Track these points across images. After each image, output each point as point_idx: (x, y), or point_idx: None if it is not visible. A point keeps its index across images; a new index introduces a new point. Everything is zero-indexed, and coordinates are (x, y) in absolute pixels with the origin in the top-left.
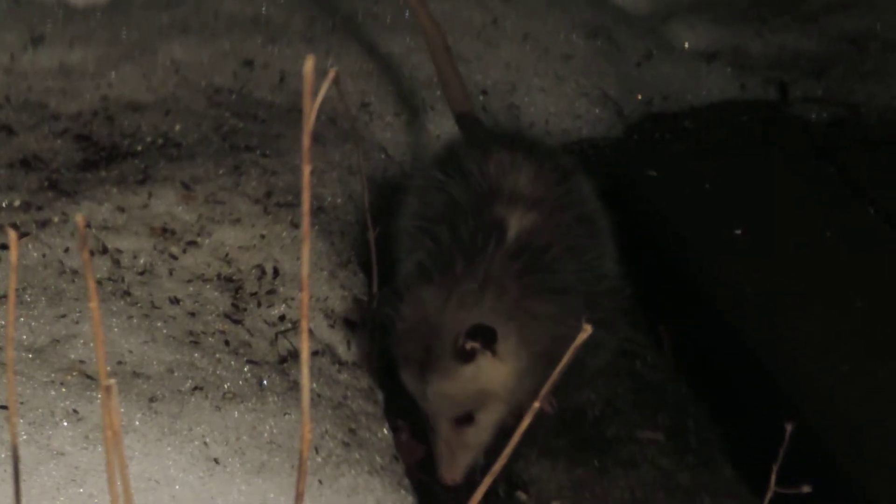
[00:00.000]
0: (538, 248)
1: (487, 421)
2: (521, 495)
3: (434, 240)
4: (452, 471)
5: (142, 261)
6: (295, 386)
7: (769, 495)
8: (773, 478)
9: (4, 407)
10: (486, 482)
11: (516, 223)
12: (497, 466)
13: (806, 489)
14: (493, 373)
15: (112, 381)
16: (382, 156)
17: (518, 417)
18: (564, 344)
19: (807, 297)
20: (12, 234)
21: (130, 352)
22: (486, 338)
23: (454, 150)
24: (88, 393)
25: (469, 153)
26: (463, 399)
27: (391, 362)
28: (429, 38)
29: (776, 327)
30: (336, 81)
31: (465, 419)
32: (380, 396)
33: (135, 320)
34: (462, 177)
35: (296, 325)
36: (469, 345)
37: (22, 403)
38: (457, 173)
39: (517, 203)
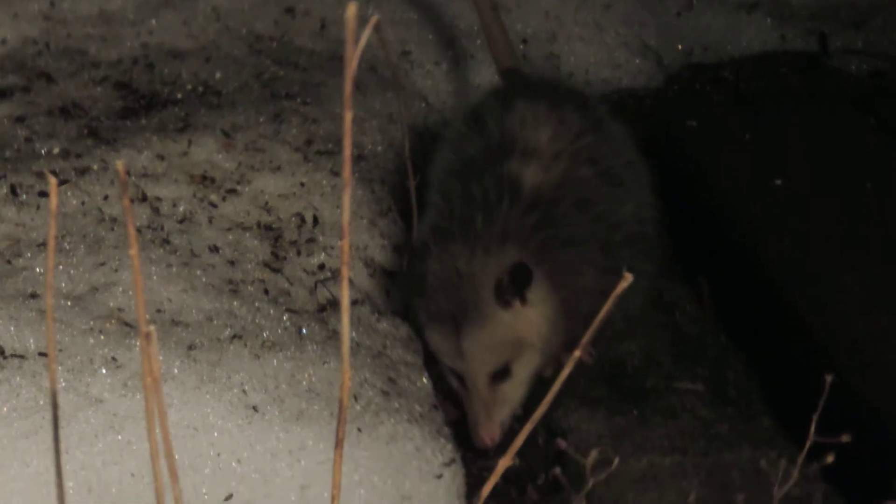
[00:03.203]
0: (549, 203)
1: (523, 373)
2: (561, 443)
3: (446, 197)
4: (490, 429)
5: (181, 209)
6: (334, 335)
7: (808, 444)
8: (813, 427)
9: (44, 354)
10: (526, 429)
11: (530, 178)
12: (537, 414)
13: (845, 439)
14: (528, 319)
15: (151, 328)
16: (423, 104)
17: (557, 368)
18: (587, 296)
19: (846, 248)
20: (52, 181)
21: (169, 300)
22: (524, 277)
23: (478, 103)
24: (127, 341)
25: (490, 106)
26: (500, 348)
27: (417, 327)
28: None
29: (815, 278)
30: (377, 29)
31: (502, 374)
32: (419, 345)
33: (174, 268)
34: (481, 130)
35: (335, 274)
36: (509, 287)
37: (61, 351)
38: (478, 127)
39: (532, 157)
